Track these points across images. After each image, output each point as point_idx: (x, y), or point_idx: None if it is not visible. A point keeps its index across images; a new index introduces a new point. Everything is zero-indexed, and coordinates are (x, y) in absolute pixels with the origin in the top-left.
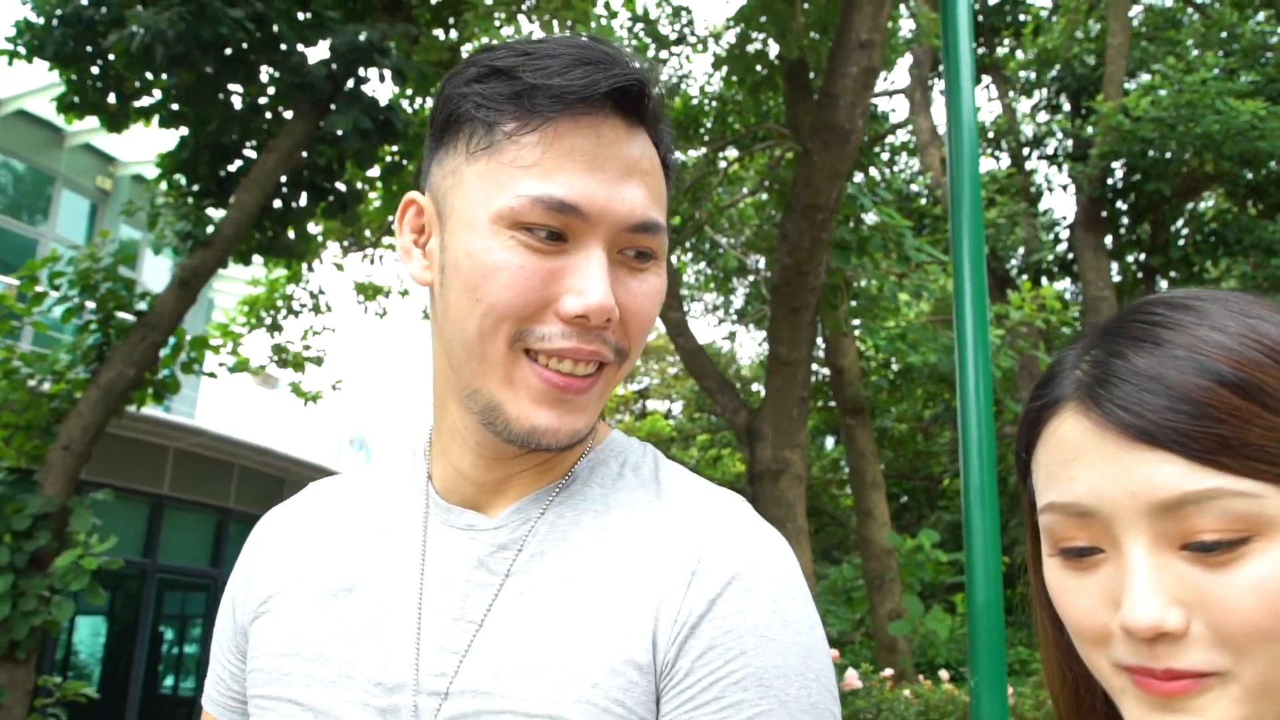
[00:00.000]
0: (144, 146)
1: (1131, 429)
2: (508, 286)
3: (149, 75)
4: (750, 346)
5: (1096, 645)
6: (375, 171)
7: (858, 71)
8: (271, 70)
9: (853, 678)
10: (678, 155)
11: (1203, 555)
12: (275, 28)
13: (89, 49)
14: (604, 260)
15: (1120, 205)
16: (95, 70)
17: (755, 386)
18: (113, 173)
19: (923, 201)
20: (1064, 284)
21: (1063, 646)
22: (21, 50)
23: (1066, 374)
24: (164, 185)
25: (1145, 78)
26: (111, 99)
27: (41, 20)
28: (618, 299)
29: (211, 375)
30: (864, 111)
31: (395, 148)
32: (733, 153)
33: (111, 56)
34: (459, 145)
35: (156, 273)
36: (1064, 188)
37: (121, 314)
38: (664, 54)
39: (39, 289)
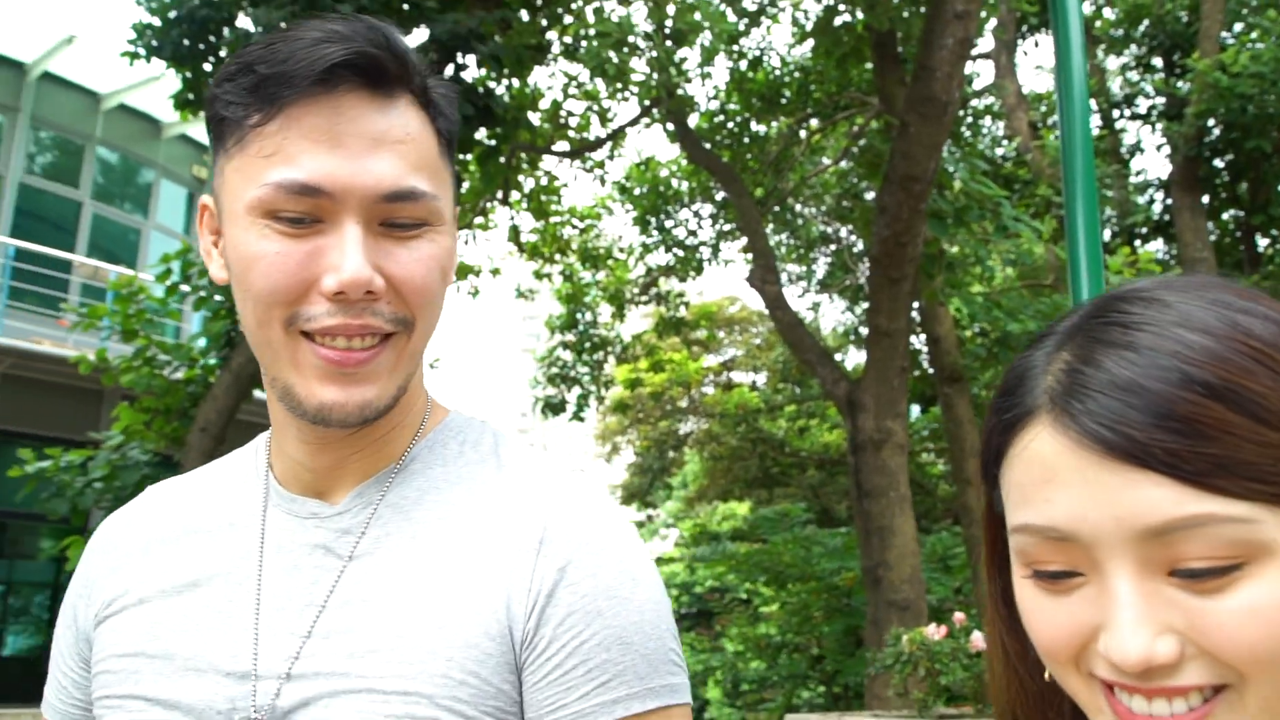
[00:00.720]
0: None
1: (1114, 448)
2: (266, 274)
3: None
4: (833, 316)
5: (1069, 665)
6: (468, 154)
7: (954, 43)
8: None
9: (978, 639)
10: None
11: (1193, 582)
12: (375, 17)
13: (202, 47)
14: (359, 235)
15: (1218, 164)
16: (208, 68)
17: (838, 356)
18: (208, 161)
19: (1007, 165)
20: (1157, 245)
21: (1028, 661)
22: (141, 51)
23: (1036, 380)
24: None
25: (1241, 30)
26: None
27: (158, 21)
28: (385, 270)
29: None
30: (960, 83)
31: (486, 131)
32: (814, 123)
33: (224, 54)
34: (221, 144)
35: None
36: (1157, 148)
37: None
38: (744, 25)
39: (171, 281)
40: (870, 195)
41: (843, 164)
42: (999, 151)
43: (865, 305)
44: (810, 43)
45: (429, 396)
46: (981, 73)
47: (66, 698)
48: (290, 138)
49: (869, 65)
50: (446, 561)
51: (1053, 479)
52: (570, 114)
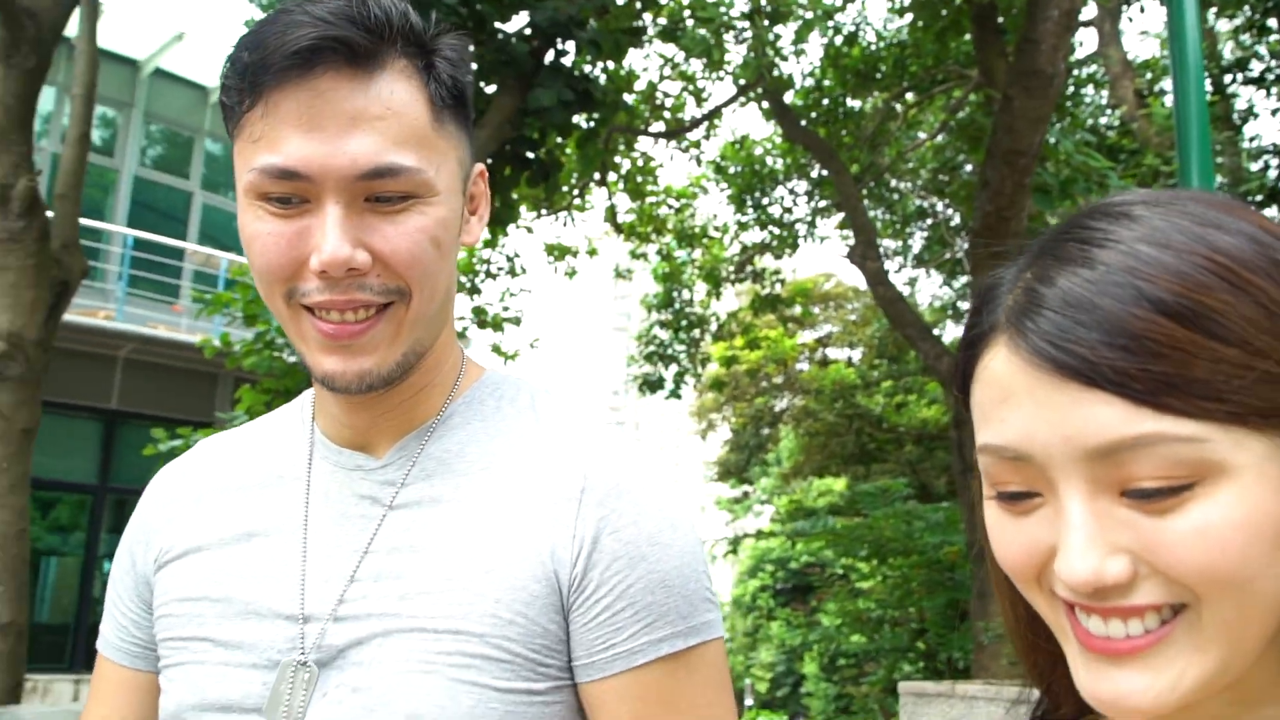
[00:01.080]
0: None
1: (1063, 367)
2: (261, 253)
3: None
4: (929, 290)
5: (1033, 584)
6: (567, 138)
7: (1059, 14)
8: (477, 48)
9: None
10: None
11: (1143, 502)
12: (479, 6)
13: None
14: (339, 214)
15: None
16: None
17: (936, 331)
18: None
19: (1112, 135)
20: (1271, 212)
21: (1012, 584)
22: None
23: (999, 299)
24: None
25: None
26: None
27: (259, 16)
28: (371, 245)
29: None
30: (1065, 55)
31: (585, 115)
32: (910, 97)
33: None
34: (229, 129)
35: None
36: (1272, 113)
37: None
38: (840, 1)
39: None
40: (968, 169)
41: (940, 138)
42: (1102, 120)
43: (963, 279)
44: (908, 17)
45: (464, 356)
46: (1084, 40)
47: (126, 636)
48: (271, 123)
49: (967, 37)
50: (490, 510)
51: (1007, 398)
52: (666, 95)
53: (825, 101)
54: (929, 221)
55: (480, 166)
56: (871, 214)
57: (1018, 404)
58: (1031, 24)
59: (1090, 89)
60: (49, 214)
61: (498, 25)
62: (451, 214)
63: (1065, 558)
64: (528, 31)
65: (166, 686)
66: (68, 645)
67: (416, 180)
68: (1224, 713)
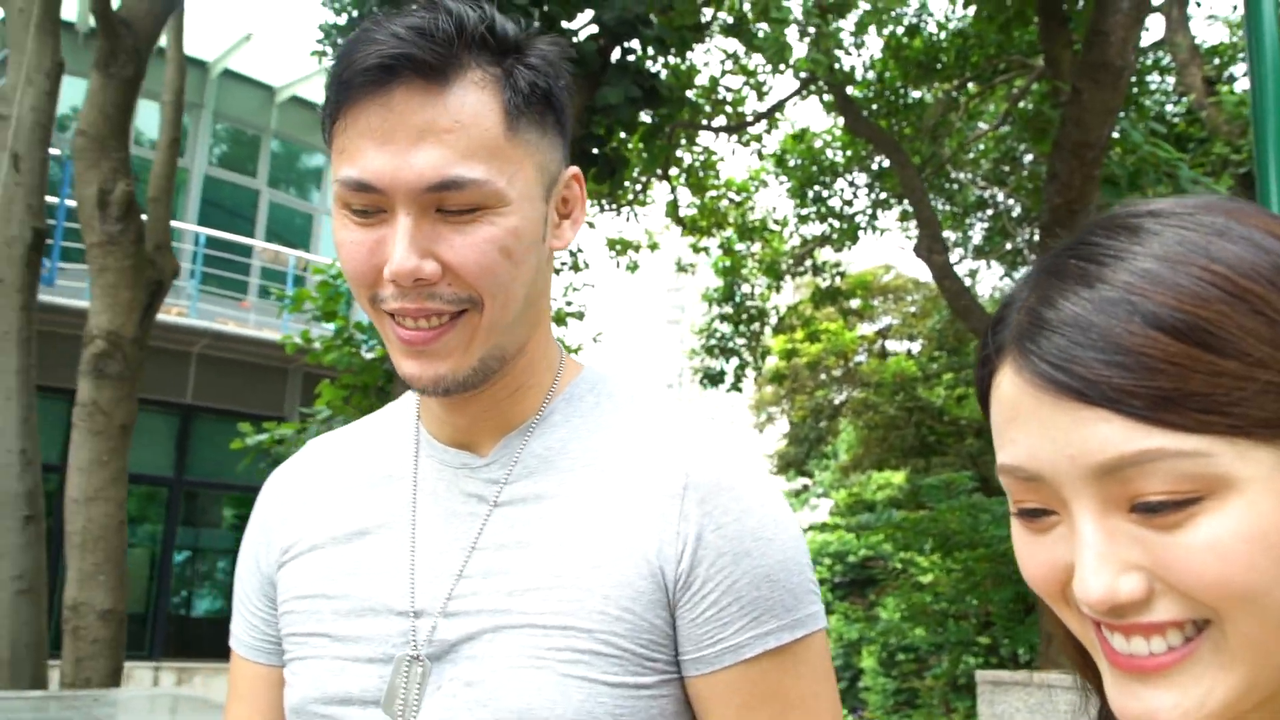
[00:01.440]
0: None
1: (1063, 387)
2: (347, 260)
3: None
4: (989, 281)
5: (1061, 601)
6: (632, 135)
7: (1129, 6)
8: None
9: None
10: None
11: (1151, 518)
12: (547, 7)
13: None
14: (409, 226)
15: None
16: None
17: None
18: None
19: (1180, 124)
20: None
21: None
22: (327, 49)
23: (1011, 318)
24: None
25: None
26: None
27: (343, 21)
28: (440, 255)
29: None
30: (1135, 46)
31: (651, 112)
32: (971, 87)
33: None
34: (325, 142)
35: None
36: None
37: None
38: None
39: None
40: (1029, 159)
41: (1002, 128)
42: (1169, 108)
43: (1024, 271)
44: (971, 8)
45: (562, 354)
46: (1150, 26)
47: (257, 634)
48: (351, 137)
49: (1031, 27)
50: (594, 506)
51: (1015, 419)
52: (728, 90)
53: (886, 93)
54: (989, 212)
55: (574, 170)
56: (932, 205)
57: (1024, 425)
58: (1101, 16)
59: (1156, 76)
60: (143, 217)
61: (565, 25)
62: (526, 222)
63: (1079, 576)
64: (595, 30)
65: (290, 680)
66: (146, 634)
67: (485, 191)
68: None
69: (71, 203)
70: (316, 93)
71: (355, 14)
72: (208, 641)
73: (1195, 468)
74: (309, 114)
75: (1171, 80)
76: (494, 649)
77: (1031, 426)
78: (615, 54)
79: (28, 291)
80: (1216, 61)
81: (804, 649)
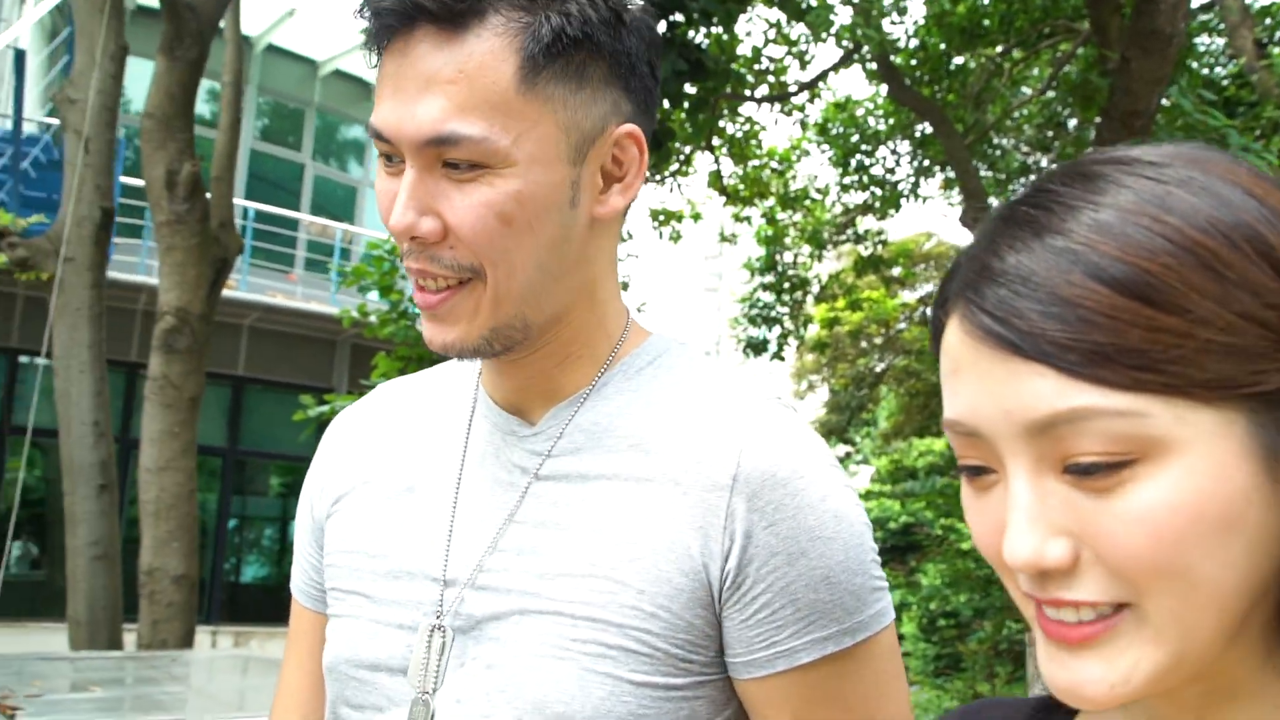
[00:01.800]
0: None
1: (1001, 339)
2: (381, 209)
3: None
4: None
5: (1002, 566)
6: (679, 107)
7: None
8: None
9: None
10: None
11: (1083, 479)
12: None
13: None
14: (411, 180)
15: None
16: None
17: None
18: None
19: (1230, 87)
20: None
21: None
22: None
23: (961, 267)
24: None
25: None
26: None
27: None
28: (441, 213)
29: None
30: (1185, 14)
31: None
32: (1016, 53)
33: None
34: None
35: None
36: None
37: None
38: None
39: None
40: (1074, 123)
41: (1047, 93)
42: (1219, 71)
43: None
44: None
45: (628, 320)
46: None
47: (310, 582)
48: (380, 81)
49: None
50: (637, 492)
51: (957, 371)
52: (771, 60)
53: (929, 60)
54: (1032, 178)
55: (629, 128)
56: (976, 173)
57: (965, 378)
58: None
59: (1205, 38)
60: (207, 195)
61: None
62: (535, 186)
63: (1007, 537)
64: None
65: (329, 636)
66: (203, 599)
67: (483, 149)
68: (1201, 704)
69: (126, 180)
70: (359, 66)
71: None
72: (260, 606)
73: (1129, 428)
74: (352, 87)
75: (1221, 42)
76: (518, 633)
77: (971, 380)
78: (661, 27)
79: (97, 269)
80: (1268, 22)
81: (866, 651)
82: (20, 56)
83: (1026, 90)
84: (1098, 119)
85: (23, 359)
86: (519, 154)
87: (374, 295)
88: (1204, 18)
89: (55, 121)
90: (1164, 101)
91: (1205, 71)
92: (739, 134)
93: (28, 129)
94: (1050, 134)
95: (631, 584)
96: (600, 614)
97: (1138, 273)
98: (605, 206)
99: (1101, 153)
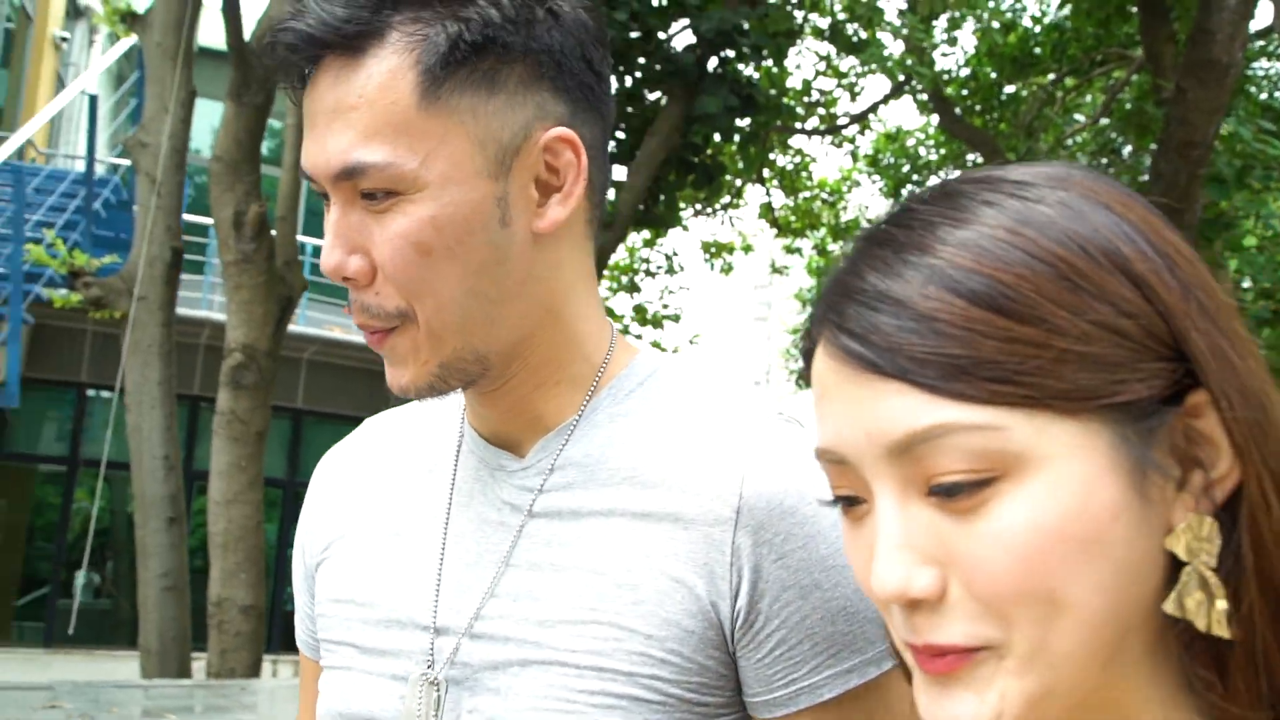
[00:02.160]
0: None
1: (861, 359)
2: None
3: None
4: None
5: (881, 608)
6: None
7: (1236, 2)
8: (644, 60)
9: None
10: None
11: (948, 501)
12: (649, 20)
13: None
14: (336, 217)
15: None
16: None
17: None
18: None
19: None
20: None
21: None
22: None
23: (826, 291)
24: None
25: None
26: None
27: None
28: (369, 250)
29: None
30: (1243, 43)
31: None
32: (1068, 81)
33: None
34: None
35: None
36: None
37: None
38: None
39: None
40: (1128, 150)
41: (1100, 121)
42: (1278, 95)
43: None
44: (1068, 7)
45: (613, 340)
46: (1257, 14)
47: (309, 631)
48: (304, 121)
49: (1131, 18)
50: (636, 529)
51: (824, 396)
52: (821, 92)
53: (981, 90)
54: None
55: (559, 131)
56: None
57: (830, 403)
58: (1205, 14)
59: (1264, 62)
60: (273, 234)
61: (661, 36)
62: (452, 208)
63: (873, 568)
64: (692, 40)
65: (322, 689)
66: (263, 629)
67: (390, 175)
68: None
69: (187, 217)
70: None
71: None
72: None
73: (989, 443)
74: None
75: (1277, 66)
76: (520, 685)
77: (837, 404)
78: (712, 63)
79: (168, 307)
80: None
81: (894, 680)
82: (93, 102)
83: (1080, 118)
84: (1153, 146)
85: (90, 393)
86: (430, 175)
87: None
88: (1261, 43)
89: (124, 162)
90: (1221, 131)
91: (1264, 96)
92: (790, 166)
93: (98, 171)
94: (1105, 161)
95: (639, 630)
96: (607, 663)
97: (993, 284)
98: (545, 220)
99: (968, 173)
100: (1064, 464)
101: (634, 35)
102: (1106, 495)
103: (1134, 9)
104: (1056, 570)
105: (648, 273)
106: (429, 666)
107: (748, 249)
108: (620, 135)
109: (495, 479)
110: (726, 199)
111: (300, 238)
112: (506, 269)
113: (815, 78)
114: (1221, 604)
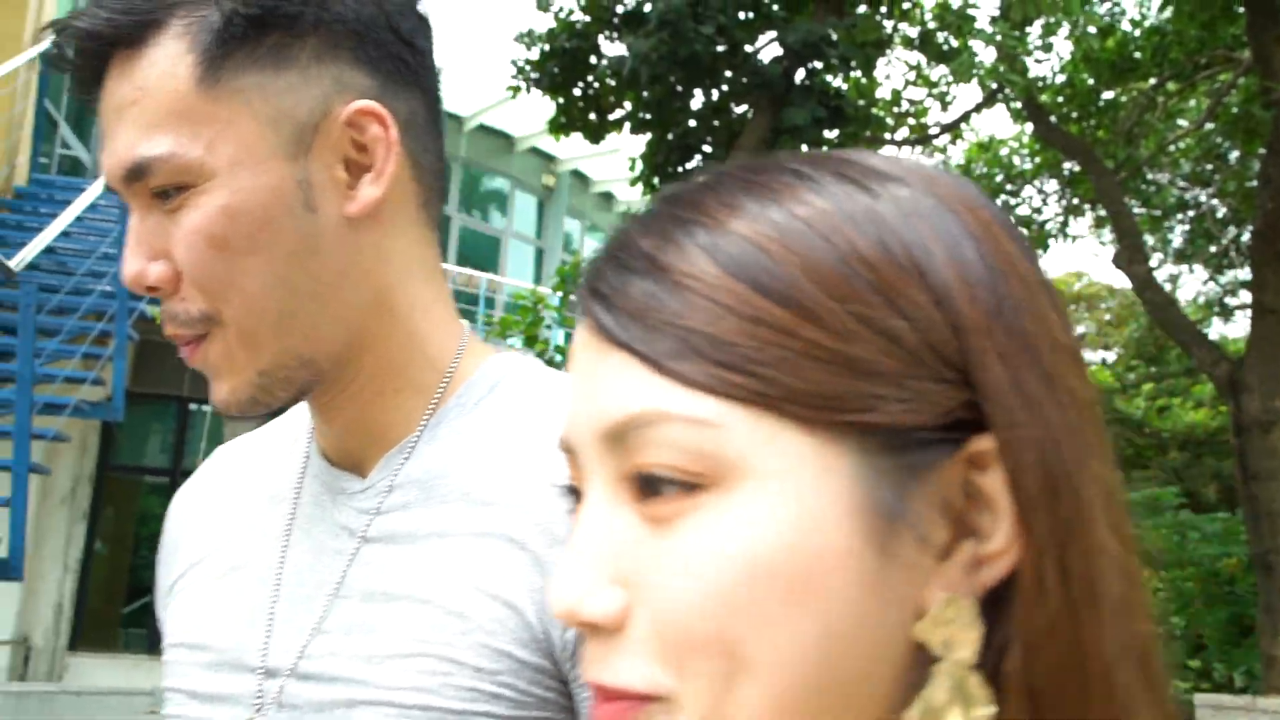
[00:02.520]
0: (579, 146)
1: (599, 324)
2: None
3: (629, 93)
4: (1191, 286)
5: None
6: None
7: None
8: (730, 73)
9: None
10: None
11: (649, 504)
12: (736, 33)
13: (573, 75)
14: (134, 222)
15: None
16: (578, 93)
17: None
18: (555, 170)
19: None
20: None
21: None
22: (522, 84)
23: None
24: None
25: None
26: (592, 116)
27: (536, 56)
28: (171, 254)
29: None
30: None
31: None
32: (1170, 86)
33: (592, 80)
34: None
35: None
36: None
37: None
38: None
39: (565, 292)
40: (1234, 155)
41: (1205, 126)
42: None
43: (1230, 275)
44: (1169, 9)
45: (464, 342)
46: None
47: None
48: None
49: (1237, 20)
50: (471, 551)
51: (571, 373)
52: (911, 102)
53: (1077, 97)
54: (1190, 214)
55: (363, 104)
56: (1130, 211)
57: (573, 379)
58: None
59: None
60: None
61: (748, 48)
62: (245, 195)
63: (554, 580)
64: (778, 52)
65: None
66: None
67: (175, 166)
68: None
69: None
70: (501, 120)
71: (547, 48)
72: None
73: (702, 441)
74: (494, 140)
75: None
76: None
77: (575, 381)
78: (799, 75)
79: None
80: None
81: None
82: None
83: (1183, 123)
84: (1261, 150)
85: (192, 406)
86: (217, 161)
87: (518, 344)
88: None
89: None
90: None
91: None
92: None
93: None
94: (1210, 167)
95: (467, 662)
96: (435, 700)
97: (760, 255)
98: (357, 203)
99: (839, 151)
100: (784, 484)
101: (720, 49)
102: (832, 538)
103: (1240, 9)
104: (743, 616)
105: None
106: (257, 711)
107: None
108: (708, 149)
109: (336, 503)
110: None
111: None
112: (320, 259)
113: (905, 87)
114: (981, 712)
